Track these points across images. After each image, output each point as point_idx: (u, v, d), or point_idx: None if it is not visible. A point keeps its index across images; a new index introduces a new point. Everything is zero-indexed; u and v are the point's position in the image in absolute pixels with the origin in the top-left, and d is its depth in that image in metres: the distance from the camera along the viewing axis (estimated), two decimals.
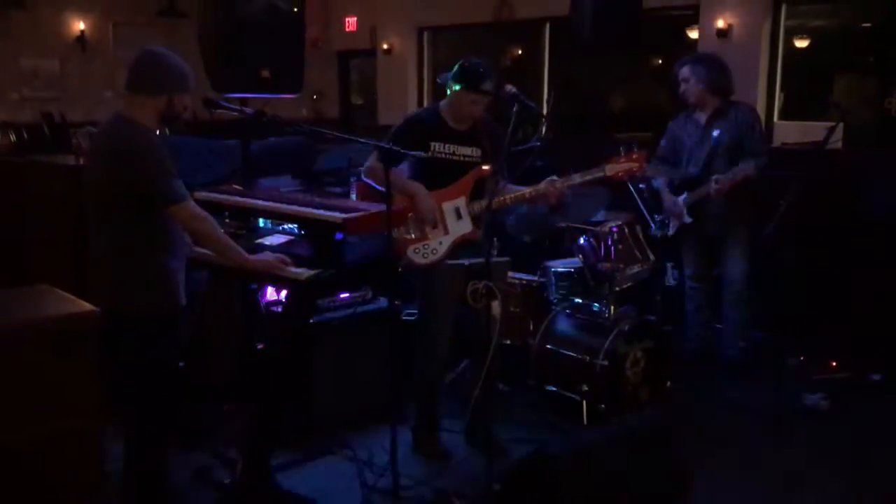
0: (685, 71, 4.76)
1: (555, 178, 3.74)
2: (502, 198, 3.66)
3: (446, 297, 3.69)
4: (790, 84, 7.48)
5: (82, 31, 9.57)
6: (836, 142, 5.81)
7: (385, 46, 10.34)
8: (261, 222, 3.96)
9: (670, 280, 5.48)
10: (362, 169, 3.74)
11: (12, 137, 8.67)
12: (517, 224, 4.79)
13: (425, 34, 10.24)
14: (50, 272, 3.46)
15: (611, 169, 3.79)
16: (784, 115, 7.49)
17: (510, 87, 3.48)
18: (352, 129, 10.20)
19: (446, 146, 3.70)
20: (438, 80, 3.83)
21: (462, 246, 3.67)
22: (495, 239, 4.16)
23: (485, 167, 3.70)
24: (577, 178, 3.78)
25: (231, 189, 4.17)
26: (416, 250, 3.57)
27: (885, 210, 5.36)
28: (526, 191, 3.76)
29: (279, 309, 3.99)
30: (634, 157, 3.81)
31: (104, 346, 2.53)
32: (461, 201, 3.69)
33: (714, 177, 4.59)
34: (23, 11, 8.92)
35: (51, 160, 4.84)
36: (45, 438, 2.09)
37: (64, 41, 9.52)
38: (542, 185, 3.72)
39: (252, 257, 3.01)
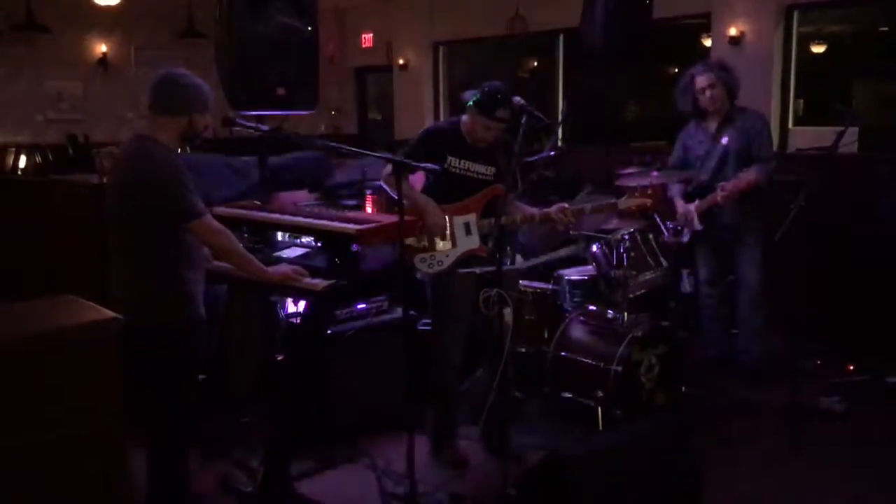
0: (707, 78, 4.70)
1: (566, 205, 3.79)
2: (512, 217, 3.71)
3: (458, 305, 3.76)
4: (809, 90, 7.48)
5: (104, 54, 9.77)
6: (852, 144, 5.82)
7: (401, 62, 10.45)
8: (278, 235, 4.07)
9: (686, 287, 5.50)
10: (381, 175, 3.82)
11: (38, 159, 8.86)
12: (530, 235, 4.85)
13: (440, 49, 10.34)
14: (75, 286, 3.56)
15: (623, 203, 3.86)
16: (804, 122, 7.48)
17: (518, 100, 3.55)
18: (369, 144, 10.31)
19: (462, 161, 3.76)
20: (462, 98, 3.88)
21: (473, 257, 3.73)
22: (509, 249, 4.23)
23: (499, 186, 3.76)
24: (587, 208, 3.84)
25: (249, 204, 4.27)
26: (423, 259, 3.64)
27: None
28: (536, 213, 3.81)
29: (298, 320, 4.08)
30: (649, 192, 3.85)
31: (126, 357, 2.62)
32: (472, 217, 3.75)
33: (720, 184, 4.63)
34: (47, 35, 9.13)
35: (75, 179, 4.98)
36: (69, 443, 2.17)
37: (87, 64, 9.73)
38: (553, 210, 3.77)
39: (269, 269, 3.09)
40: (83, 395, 2.22)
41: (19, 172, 8.68)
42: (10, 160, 8.85)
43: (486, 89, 3.65)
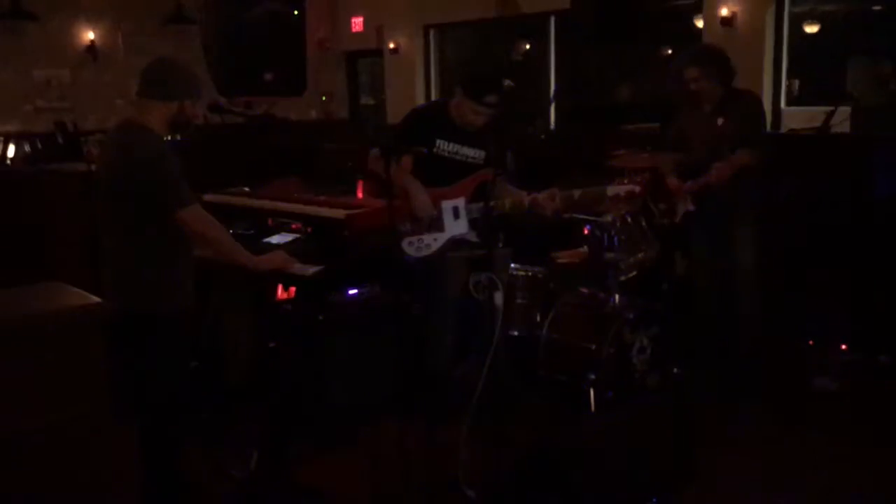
0: (693, 71, 4.70)
1: (556, 190, 3.76)
2: (501, 202, 3.69)
3: (449, 289, 3.75)
4: (802, 70, 7.46)
5: (93, 41, 9.69)
6: (844, 123, 5.81)
7: (392, 46, 10.40)
8: (269, 222, 4.06)
9: (680, 268, 5.50)
10: (369, 159, 3.79)
11: (27, 148, 8.80)
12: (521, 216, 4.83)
13: (431, 32, 10.28)
14: (67, 274, 3.55)
15: (612, 190, 3.82)
16: (798, 102, 7.47)
17: (507, 82, 3.53)
18: (361, 129, 10.27)
19: (451, 145, 3.74)
20: None
21: (462, 241, 3.72)
22: (500, 232, 4.21)
23: (488, 171, 3.73)
24: (576, 194, 3.81)
25: (239, 191, 4.26)
26: (411, 243, 3.62)
27: (892, 191, 5.36)
28: (525, 198, 3.80)
29: (290, 307, 4.07)
30: (638, 180, 3.83)
31: (115, 346, 2.61)
32: (461, 202, 3.73)
33: (715, 164, 4.62)
34: (35, 23, 9.04)
35: (63, 168, 4.95)
36: (55, 430, 2.16)
37: (75, 51, 9.64)
38: (542, 196, 3.76)
39: (257, 258, 3.08)
40: (68, 381, 2.21)
41: (8, 162, 8.62)
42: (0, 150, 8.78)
43: (475, 73, 3.63)
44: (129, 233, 2.91)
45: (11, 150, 8.81)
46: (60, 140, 9.00)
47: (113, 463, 2.35)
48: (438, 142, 3.70)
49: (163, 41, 9.49)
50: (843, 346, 4.96)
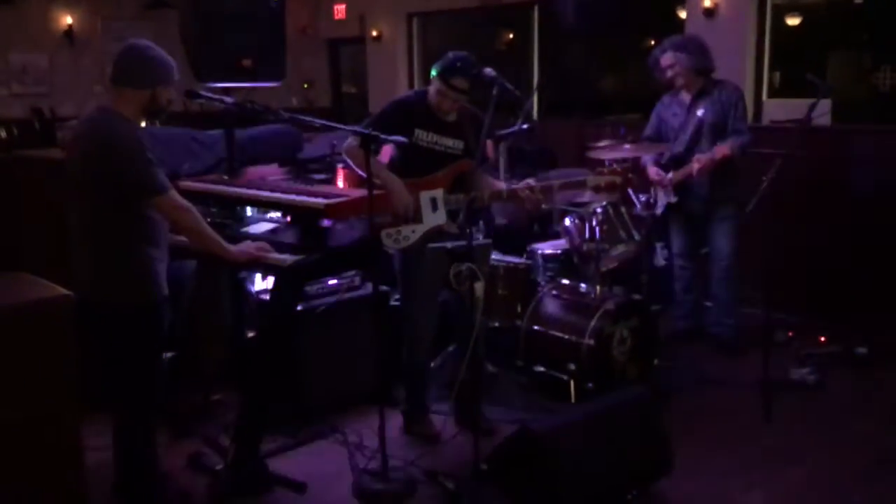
0: (668, 58, 4.74)
1: (532, 181, 3.74)
2: (479, 194, 3.66)
3: (428, 281, 3.72)
4: (784, 62, 7.47)
5: (70, 26, 9.54)
6: (825, 116, 5.83)
7: (374, 33, 10.32)
8: (248, 211, 4.01)
9: (660, 260, 5.50)
10: (342, 147, 3.74)
11: (2, 134, 8.67)
12: (502, 209, 4.82)
13: (414, 20, 10.21)
14: (40, 263, 3.49)
15: (592, 181, 3.78)
16: (780, 94, 7.48)
17: (489, 71, 3.50)
18: (343, 117, 10.19)
19: (429, 135, 3.70)
20: None
21: (441, 233, 3.68)
22: (481, 223, 4.19)
23: (467, 161, 3.70)
24: (556, 185, 3.78)
25: (216, 178, 4.21)
26: (389, 235, 3.59)
27: (871, 185, 5.39)
28: (504, 190, 3.77)
29: (267, 297, 4.03)
30: (619, 170, 3.81)
31: (87, 335, 2.56)
32: (439, 193, 3.68)
33: (695, 157, 4.63)
34: (10, 7, 8.89)
35: (37, 154, 4.87)
36: (20, 422, 2.12)
37: (52, 36, 9.49)
38: (520, 187, 3.73)
39: (232, 247, 3.04)
40: (34, 375, 2.17)
41: None
42: None
43: (449, 56, 3.59)
44: (101, 222, 2.85)
45: None
46: (37, 126, 8.89)
47: (75, 456, 2.31)
48: (417, 132, 3.66)
49: (142, 26, 9.35)
50: (822, 339, 4.99)
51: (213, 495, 3.34)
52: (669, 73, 4.76)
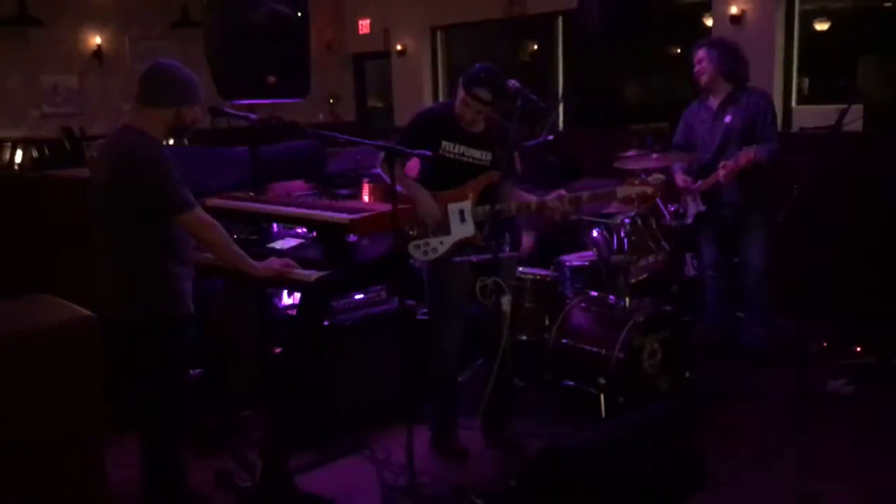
0: (700, 53, 4.72)
1: (563, 192, 3.70)
2: (507, 205, 3.63)
3: (455, 294, 3.70)
4: (812, 68, 7.38)
5: (99, 46, 9.68)
6: (857, 122, 5.73)
7: (399, 47, 10.36)
8: (274, 227, 4.02)
9: (690, 270, 5.43)
10: (378, 161, 3.74)
11: (34, 153, 8.80)
12: (528, 221, 4.78)
13: (438, 34, 10.24)
14: (70, 282, 3.52)
15: (622, 191, 3.70)
16: (809, 100, 7.39)
17: (513, 82, 3.47)
18: (368, 131, 10.23)
19: (456, 146, 3.68)
20: None
21: (469, 245, 3.66)
22: (507, 235, 4.16)
23: (494, 172, 3.67)
24: (585, 196, 3.73)
25: (242, 195, 4.22)
26: (417, 246, 3.57)
27: None
28: (533, 201, 3.73)
29: (295, 312, 4.03)
30: (650, 181, 3.75)
31: (114, 353, 2.57)
32: (467, 205, 3.67)
33: (722, 163, 4.56)
34: (41, 28, 9.04)
35: (64, 174, 4.92)
36: (45, 443, 2.12)
37: (82, 56, 9.64)
38: (550, 198, 3.69)
39: (258, 264, 3.04)
40: (58, 395, 2.17)
41: (16, 168, 8.62)
42: (7, 155, 8.78)
43: (473, 67, 3.58)
44: (124, 239, 2.87)
45: (19, 156, 8.82)
46: (67, 146, 9.01)
47: (99, 474, 2.31)
48: (444, 143, 3.64)
49: (169, 45, 9.47)
50: (858, 349, 4.88)
51: None
52: (697, 69, 4.72)
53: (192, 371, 3.21)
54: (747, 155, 4.48)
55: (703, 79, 4.72)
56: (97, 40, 9.71)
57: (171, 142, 3.26)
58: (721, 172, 4.54)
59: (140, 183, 2.81)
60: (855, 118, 5.72)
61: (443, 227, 3.63)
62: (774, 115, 4.76)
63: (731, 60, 4.69)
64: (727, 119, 4.70)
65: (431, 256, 3.60)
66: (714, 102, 4.78)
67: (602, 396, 4.07)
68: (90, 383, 2.16)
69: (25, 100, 9.24)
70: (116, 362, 2.82)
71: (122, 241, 2.87)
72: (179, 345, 2.94)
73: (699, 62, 4.72)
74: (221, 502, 3.43)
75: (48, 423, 2.13)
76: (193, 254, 3.05)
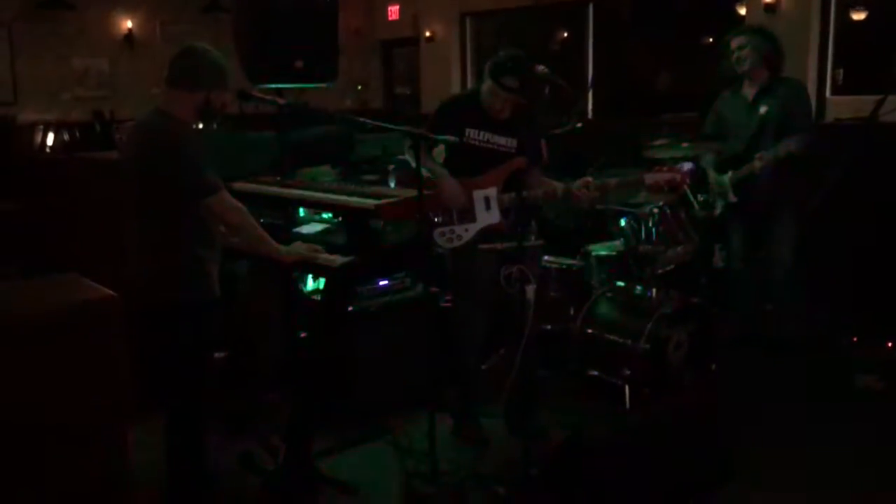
0: (741, 39, 4.61)
1: (590, 179, 3.65)
2: (534, 192, 3.60)
3: (479, 282, 3.68)
4: (848, 59, 7.24)
5: (130, 30, 9.74)
6: (892, 112, 5.61)
7: (427, 34, 10.32)
8: (301, 212, 4.02)
9: (719, 261, 5.37)
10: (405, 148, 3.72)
11: (66, 136, 8.89)
12: (556, 208, 4.74)
13: (468, 20, 10.18)
14: (98, 263, 3.55)
15: (650, 178, 3.66)
16: (844, 91, 7.26)
17: (542, 69, 3.44)
18: (396, 118, 10.21)
19: (482, 133, 3.65)
20: None
21: (494, 232, 3.63)
22: (533, 223, 4.13)
23: (520, 159, 3.63)
24: (612, 183, 3.69)
25: (269, 179, 4.23)
26: (443, 234, 3.56)
27: None
28: (559, 188, 3.69)
29: (320, 297, 4.03)
30: (678, 169, 3.69)
31: (141, 334, 2.58)
32: (492, 191, 3.64)
33: (758, 154, 4.49)
34: (72, 12, 9.11)
35: (94, 156, 4.97)
36: (69, 422, 2.14)
37: (113, 40, 9.70)
38: (576, 185, 3.64)
39: (283, 248, 3.04)
40: (81, 375, 2.18)
41: (48, 150, 8.72)
42: (39, 138, 8.88)
43: (499, 54, 3.53)
44: (153, 221, 2.88)
45: (51, 139, 8.93)
46: (97, 128, 9.09)
47: (123, 457, 2.32)
48: (469, 130, 3.62)
49: (200, 30, 9.50)
50: (889, 344, 4.80)
51: (263, 495, 3.35)
52: (736, 54, 4.60)
53: (216, 354, 3.21)
54: (787, 146, 4.40)
55: (745, 66, 4.62)
56: (128, 24, 9.77)
57: (200, 126, 3.25)
58: (757, 164, 4.47)
59: (167, 166, 2.82)
60: (891, 109, 5.60)
61: (468, 214, 3.61)
62: (810, 104, 4.67)
63: (773, 48, 4.61)
64: (762, 109, 4.61)
65: (456, 244, 3.58)
66: (749, 92, 4.69)
67: (627, 388, 4.04)
68: (113, 364, 2.17)
69: (57, 83, 9.32)
70: (143, 345, 2.84)
71: (150, 223, 2.89)
72: (205, 329, 2.95)
73: (741, 48, 4.62)
74: (244, 485, 3.45)
75: (71, 404, 2.15)
76: (221, 238, 3.05)
